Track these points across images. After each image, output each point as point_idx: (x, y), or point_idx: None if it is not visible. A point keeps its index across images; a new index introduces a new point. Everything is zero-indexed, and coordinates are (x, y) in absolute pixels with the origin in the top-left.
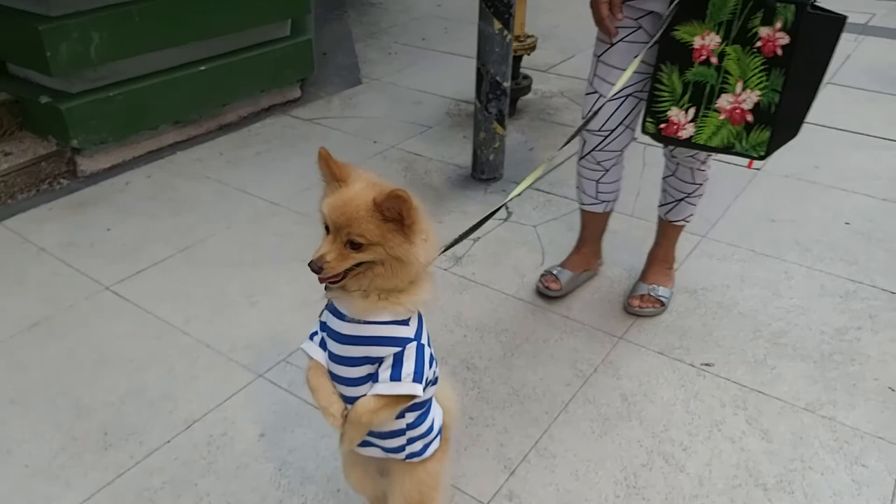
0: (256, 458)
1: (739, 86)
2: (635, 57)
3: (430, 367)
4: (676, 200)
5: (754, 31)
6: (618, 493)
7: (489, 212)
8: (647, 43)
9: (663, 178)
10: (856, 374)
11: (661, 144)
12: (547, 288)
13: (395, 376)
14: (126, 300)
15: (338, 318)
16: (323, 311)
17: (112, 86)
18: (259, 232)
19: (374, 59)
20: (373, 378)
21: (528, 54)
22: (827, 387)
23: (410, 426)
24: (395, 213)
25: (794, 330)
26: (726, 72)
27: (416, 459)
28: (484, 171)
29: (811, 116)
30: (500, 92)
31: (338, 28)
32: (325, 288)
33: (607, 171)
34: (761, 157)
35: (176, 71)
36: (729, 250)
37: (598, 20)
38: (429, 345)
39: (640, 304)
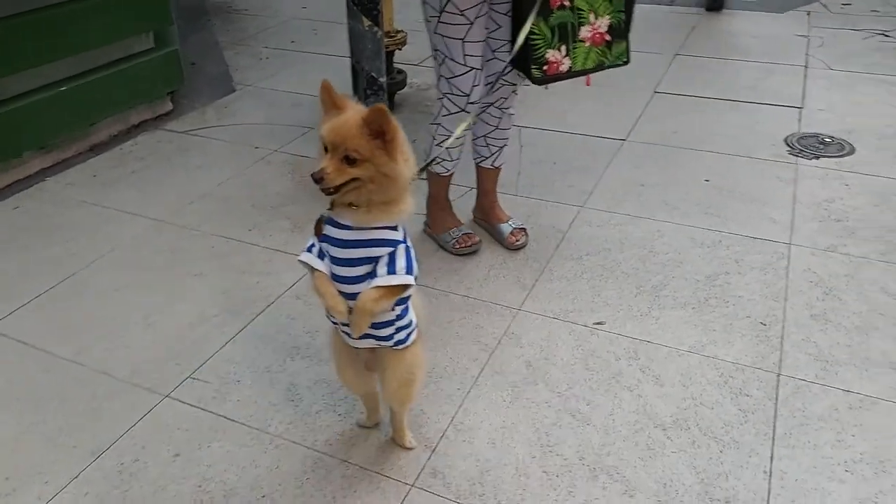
0: (174, 479)
1: (592, 17)
2: (531, 13)
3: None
4: (500, 148)
5: None
6: (533, 454)
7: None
8: (493, 9)
9: (485, 136)
10: (730, 314)
11: (546, 86)
12: (475, 243)
13: (392, 271)
14: (7, 337)
15: (338, 227)
16: (321, 225)
17: None
18: (146, 251)
19: (245, 66)
20: (370, 276)
21: (400, 49)
22: (706, 329)
23: (399, 317)
24: (377, 127)
25: (671, 282)
26: (579, 9)
27: (401, 347)
28: None
29: (665, 87)
30: (378, 87)
31: (204, 37)
32: (331, 205)
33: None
34: (626, 63)
35: (36, 94)
36: (606, 216)
37: None
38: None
39: (516, 239)
